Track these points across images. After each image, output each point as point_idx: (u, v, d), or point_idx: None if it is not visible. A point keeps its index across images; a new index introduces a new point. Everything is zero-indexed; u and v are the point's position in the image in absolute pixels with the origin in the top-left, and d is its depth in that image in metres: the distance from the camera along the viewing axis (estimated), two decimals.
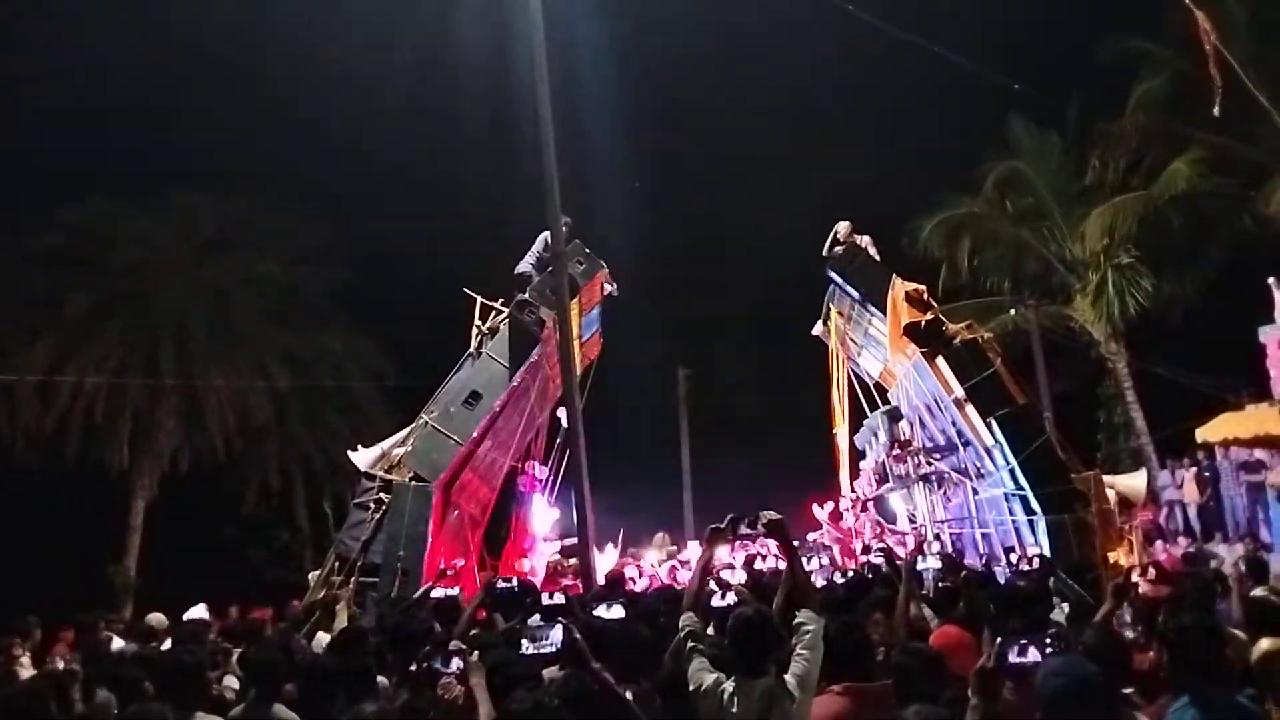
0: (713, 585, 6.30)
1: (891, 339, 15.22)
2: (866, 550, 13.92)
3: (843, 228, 16.02)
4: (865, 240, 16.01)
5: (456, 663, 4.39)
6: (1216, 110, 14.86)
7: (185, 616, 9.84)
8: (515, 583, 8.38)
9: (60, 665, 6.19)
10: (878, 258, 16.01)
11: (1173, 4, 15.32)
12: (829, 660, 4.36)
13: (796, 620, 4.40)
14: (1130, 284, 21.77)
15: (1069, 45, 23.55)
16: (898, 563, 8.15)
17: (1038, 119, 23.34)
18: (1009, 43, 22.02)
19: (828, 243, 16.11)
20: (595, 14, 17.69)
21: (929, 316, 14.67)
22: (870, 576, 8.35)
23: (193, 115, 26.14)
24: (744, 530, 4.71)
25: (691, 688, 4.30)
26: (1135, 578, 6.34)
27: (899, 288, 14.90)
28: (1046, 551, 11.88)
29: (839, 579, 9.28)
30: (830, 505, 17.94)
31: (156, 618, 9.52)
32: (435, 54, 21.61)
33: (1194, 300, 22.29)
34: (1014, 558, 10.15)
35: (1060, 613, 6.59)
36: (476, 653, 4.69)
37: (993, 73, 16.81)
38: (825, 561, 14.78)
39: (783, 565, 8.46)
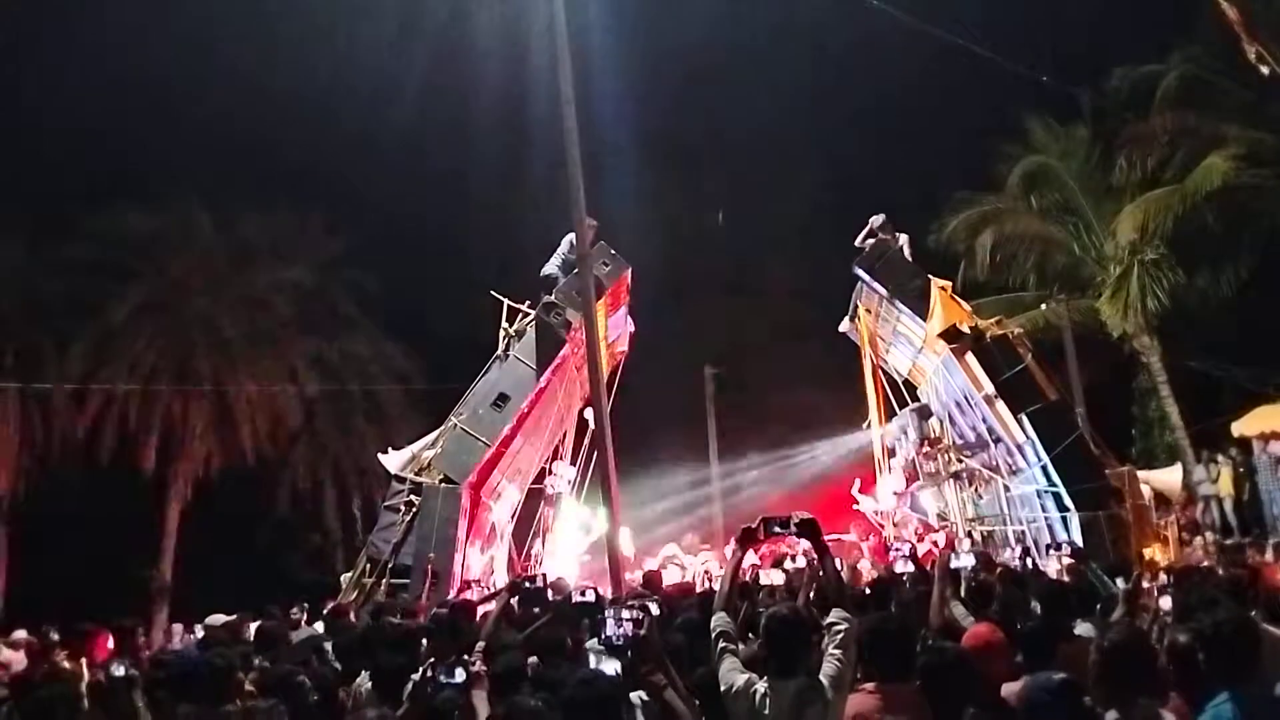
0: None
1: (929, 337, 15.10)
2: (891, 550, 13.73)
3: (877, 220, 15.85)
4: (903, 239, 15.85)
5: (460, 673, 4.36)
6: (1252, 55, 14.37)
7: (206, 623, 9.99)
8: (540, 581, 8.34)
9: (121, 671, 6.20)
10: (911, 258, 15.83)
11: None
12: (865, 657, 4.31)
13: (829, 620, 4.32)
14: (1155, 280, 21.39)
15: (1094, 35, 23.27)
16: (921, 561, 8.03)
17: (1061, 113, 23.05)
18: (1031, 33, 21.88)
19: (862, 234, 15.92)
20: (616, 16, 17.68)
21: (965, 317, 14.57)
22: (893, 578, 8.18)
23: (222, 124, 26.44)
24: (776, 530, 4.63)
25: (723, 688, 4.25)
26: (1145, 583, 6.22)
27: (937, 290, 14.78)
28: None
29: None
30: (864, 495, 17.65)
31: (217, 619, 9.70)
32: (459, 60, 21.72)
33: (1229, 293, 21.88)
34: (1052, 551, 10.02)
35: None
36: (479, 661, 4.65)
37: (1016, 64, 16.63)
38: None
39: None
